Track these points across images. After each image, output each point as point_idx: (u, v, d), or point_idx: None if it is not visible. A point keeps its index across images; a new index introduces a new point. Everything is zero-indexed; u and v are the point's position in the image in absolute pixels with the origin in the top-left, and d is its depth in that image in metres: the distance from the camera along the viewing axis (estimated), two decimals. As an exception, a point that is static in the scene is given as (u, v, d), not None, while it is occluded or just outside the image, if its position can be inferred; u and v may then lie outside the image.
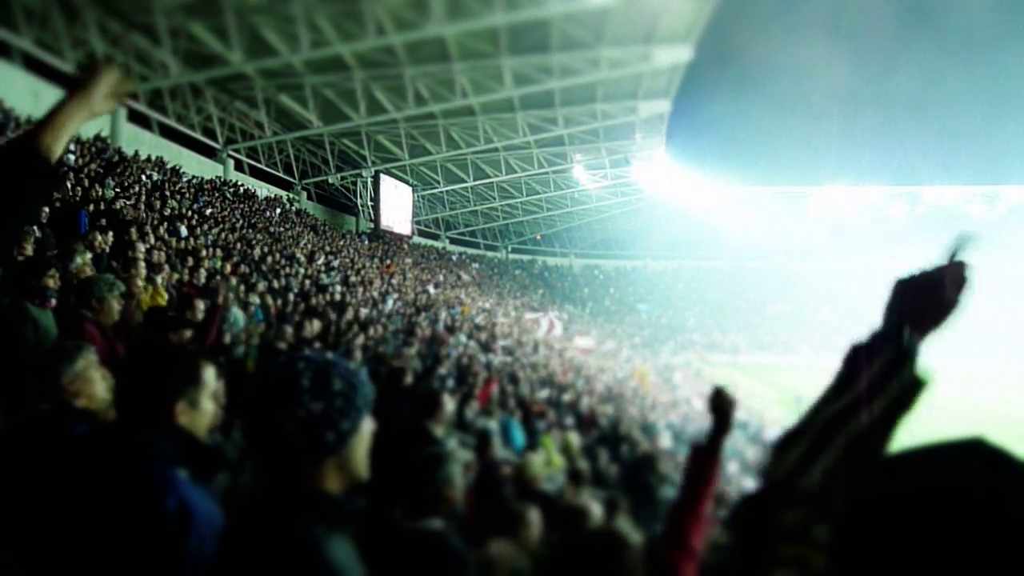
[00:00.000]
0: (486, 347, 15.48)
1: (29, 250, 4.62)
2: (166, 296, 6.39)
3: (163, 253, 8.20)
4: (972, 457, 0.58)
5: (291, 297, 10.88)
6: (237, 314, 7.39)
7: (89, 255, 4.61)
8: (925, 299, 0.98)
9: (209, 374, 1.70)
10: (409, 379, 6.55)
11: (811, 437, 0.93)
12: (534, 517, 2.91)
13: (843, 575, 0.60)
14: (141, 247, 6.98)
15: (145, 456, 1.47)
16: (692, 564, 1.59)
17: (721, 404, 1.79)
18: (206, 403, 1.66)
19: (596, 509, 3.29)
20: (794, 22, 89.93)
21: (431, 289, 23.48)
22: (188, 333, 4.20)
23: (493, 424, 7.16)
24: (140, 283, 5.08)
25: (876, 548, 0.57)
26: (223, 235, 13.75)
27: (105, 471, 1.44)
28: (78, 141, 14.72)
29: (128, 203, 10.96)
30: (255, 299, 9.20)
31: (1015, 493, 0.54)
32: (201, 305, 5.21)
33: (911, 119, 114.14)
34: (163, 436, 1.52)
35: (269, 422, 1.15)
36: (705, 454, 1.75)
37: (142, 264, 5.90)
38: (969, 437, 0.61)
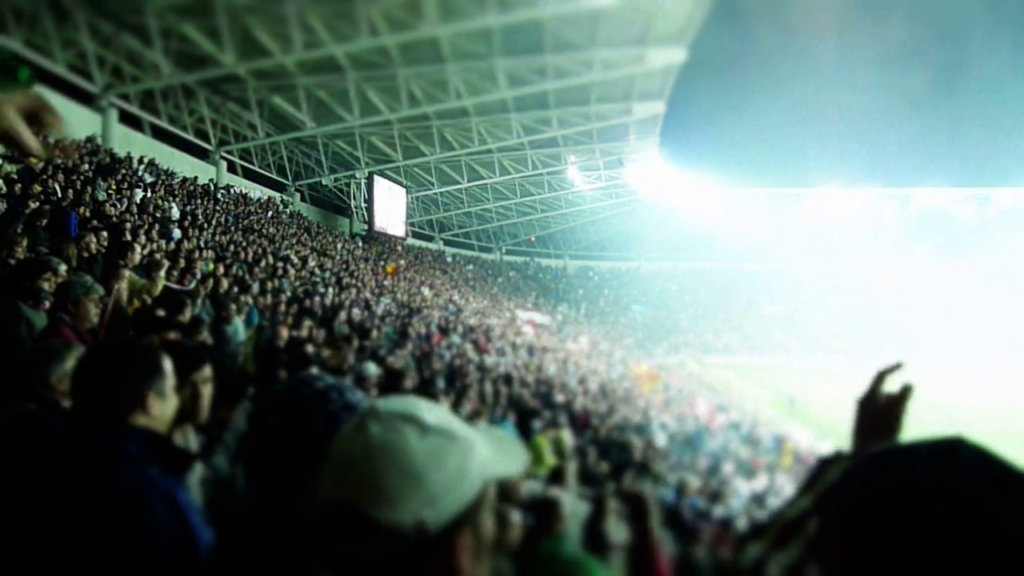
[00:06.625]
0: (479, 348, 15.47)
1: (21, 253, 4.59)
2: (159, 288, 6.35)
3: (157, 255, 8.15)
4: (954, 455, 0.60)
5: (283, 299, 10.83)
6: (237, 324, 7.38)
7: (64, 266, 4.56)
8: (881, 421, 1.05)
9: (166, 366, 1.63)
10: (409, 383, 6.56)
11: (774, 534, 1.00)
12: (515, 519, 2.94)
13: (829, 565, 0.62)
14: (137, 250, 6.93)
15: (114, 458, 1.43)
16: None
17: (634, 502, 1.71)
18: (166, 396, 1.61)
19: (569, 502, 3.35)
20: (788, 25, 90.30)
21: (425, 291, 23.46)
22: (172, 335, 4.18)
23: (483, 424, 7.16)
24: (124, 284, 5.03)
25: (859, 540, 0.59)
26: (216, 237, 13.70)
27: (76, 475, 1.40)
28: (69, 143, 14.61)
29: (120, 206, 10.91)
30: (248, 300, 9.16)
31: (996, 489, 0.57)
32: (189, 308, 5.18)
33: (904, 121, 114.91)
34: (128, 436, 1.49)
35: None
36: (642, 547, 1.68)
37: (128, 269, 5.85)
38: (949, 436, 0.63)
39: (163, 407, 1.59)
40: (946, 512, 0.55)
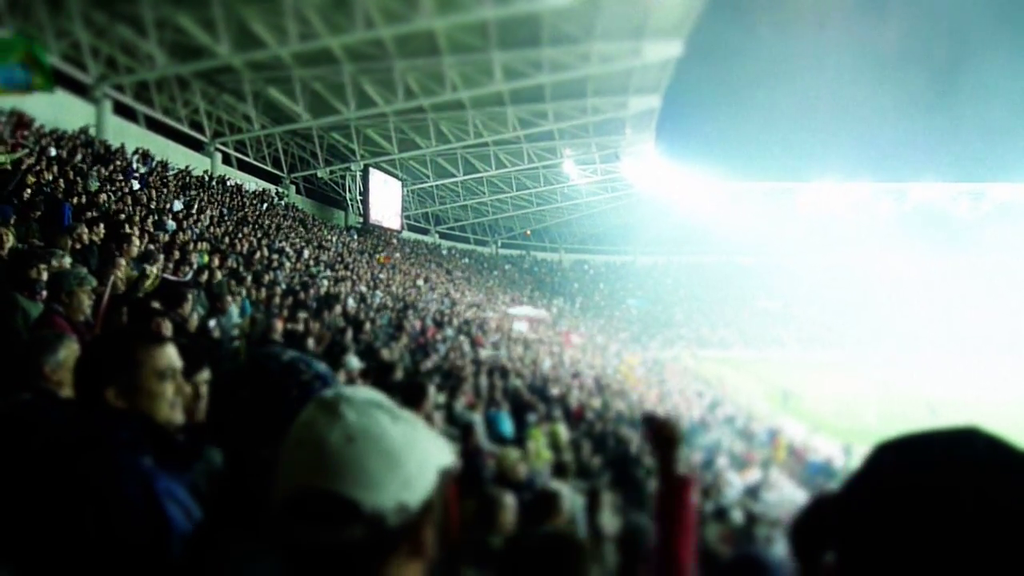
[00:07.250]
0: (474, 342, 15.46)
1: (10, 243, 4.57)
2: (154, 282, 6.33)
3: (151, 247, 8.11)
4: (969, 444, 0.61)
5: (278, 291, 10.80)
6: (232, 311, 7.37)
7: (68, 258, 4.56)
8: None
9: (151, 355, 1.58)
10: (399, 374, 6.55)
11: None
12: (509, 501, 3.02)
13: (847, 555, 0.63)
14: (136, 242, 6.90)
15: (103, 443, 1.42)
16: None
17: (660, 429, 1.58)
18: (154, 386, 1.56)
19: (568, 495, 3.41)
20: (784, 19, 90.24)
21: (420, 283, 23.43)
22: (169, 325, 4.17)
23: (477, 417, 7.20)
24: (121, 273, 5.03)
25: (875, 530, 0.59)
26: (211, 229, 13.64)
27: (63, 460, 1.40)
28: (63, 134, 14.56)
29: (114, 197, 10.85)
30: (242, 291, 9.13)
31: (1009, 477, 0.57)
32: (190, 299, 5.18)
33: (899, 116, 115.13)
34: (121, 422, 1.47)
35: None
36: (672, 482, 1.52)
37: (124, 260, 5.83)
38: (963, 426, 0.63)
39: (136, 401, 1.53)
40: (961, 501, 0.56)
